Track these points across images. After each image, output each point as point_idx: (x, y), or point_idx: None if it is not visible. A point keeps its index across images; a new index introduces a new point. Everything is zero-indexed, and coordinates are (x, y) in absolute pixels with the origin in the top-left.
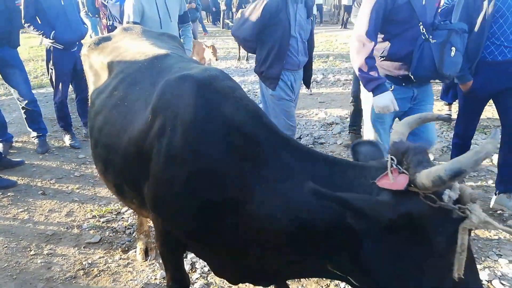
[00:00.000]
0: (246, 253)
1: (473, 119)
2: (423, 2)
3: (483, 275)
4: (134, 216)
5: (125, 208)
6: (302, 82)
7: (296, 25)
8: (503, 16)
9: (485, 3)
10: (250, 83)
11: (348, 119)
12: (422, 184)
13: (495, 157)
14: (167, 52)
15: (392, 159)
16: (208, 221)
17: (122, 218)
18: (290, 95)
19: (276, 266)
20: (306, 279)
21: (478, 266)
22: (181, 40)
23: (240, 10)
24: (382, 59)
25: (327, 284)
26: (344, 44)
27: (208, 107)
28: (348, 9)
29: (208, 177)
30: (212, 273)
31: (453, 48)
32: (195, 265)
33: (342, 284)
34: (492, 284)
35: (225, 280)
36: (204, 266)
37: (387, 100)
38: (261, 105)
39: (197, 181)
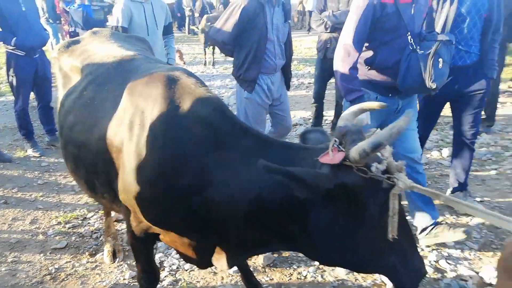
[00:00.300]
0: (213, 235)
1: (431, 121)
2: (412, 12)
3: (432, 256)
4: (101, 221)
5: (91, 213)
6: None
7: (274, 29)
8: (464, 21)
9: (446, 8)
10: (216, 88)
11: (311, 120)
12: (353, 157)
13: (445, 151)
14: (135, 53)
15: (335, 140)
16: (176, 206)
17: (88, 223)
18: (264, 100)
19: (240, 244)
20: (271, 269)
21: (428, 249)
22: (165, 50)
23: (204, 16)
24: (369, 68)
25: (290, 273)
26: (308, 49)
27: (174, 102)
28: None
29: (175, 166)
30: (180, 270)
31: (440, 60)
32: (163, 264)
33: (304, 273)
34: (439, 264)
35: (192, 276)
36: (172, 264)
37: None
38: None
39: (164, 170)
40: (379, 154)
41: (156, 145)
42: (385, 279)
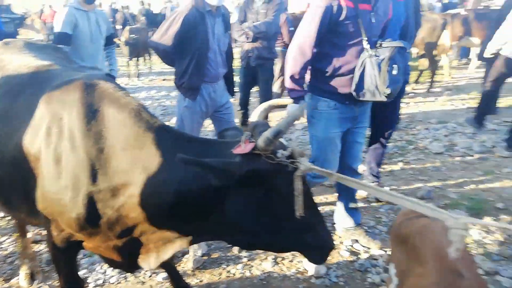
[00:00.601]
0: (136, 234)
1: None
2: (370, 20)
3: (347, 242)
4: (15, 244)
5: (5, 237)
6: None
7: (215, 38)
8: (387, 27)
9: None
10: (142, 100)
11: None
12: (260, 146)
13: None
14: (50, 63)
15: (247, 133)
16: (98, 209)
17: (1, 247)
18: (204, 109)
19: (165, 239)
20: (200, 271)
21: (345, 234)
22: (107, 61)
23: (127, 28)
24: (326, 74)
25: (219, 273)
26: (234, 60)
27: (93, 107)
28: None
29: (94, 168)
30: (106, 285)
31: (395, 66)
32: (87, 280)
33: (233, 271)
34: (353, 247)
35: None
36: (98, 279)
37: (300, 111)
38: (166, 118)
39: (84, 173)
40: (285, 142)
41: (75, 150)
42: (307, 266)
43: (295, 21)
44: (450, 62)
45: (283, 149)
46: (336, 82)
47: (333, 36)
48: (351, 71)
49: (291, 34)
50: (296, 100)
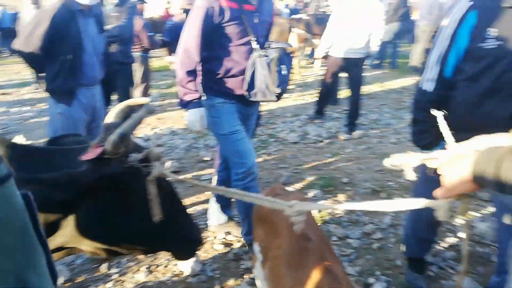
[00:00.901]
0: None
1: None
2: (255, 21)
3: (220, 235)
4: None
5: None
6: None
7: (89, 39)
8: None
9: None
10: None
11: None
12: (108, 149)
13: None
14: None
15: (99, 137)
16: None
17: None
18: (82, 114)
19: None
20: None
21: (218, 229)
22: None
23: None
24: (218, 76)
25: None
26: None
27: None
28: None
29: None
30: None
31: (283, 66)
32: None
33: (111, 283)
34: (226, 239)
35: None
36: None
37: (197, 117)
38: (7, 138)
39: None
40: (143, 144)
41: None
42: (182, 267)
43: (153, 25)
44: (299, 62)
45: (138, 151)
46: (229, 84)
47: (220, 38)
48: (242, 72)
49: (150, 39)
50: (191, 104)
